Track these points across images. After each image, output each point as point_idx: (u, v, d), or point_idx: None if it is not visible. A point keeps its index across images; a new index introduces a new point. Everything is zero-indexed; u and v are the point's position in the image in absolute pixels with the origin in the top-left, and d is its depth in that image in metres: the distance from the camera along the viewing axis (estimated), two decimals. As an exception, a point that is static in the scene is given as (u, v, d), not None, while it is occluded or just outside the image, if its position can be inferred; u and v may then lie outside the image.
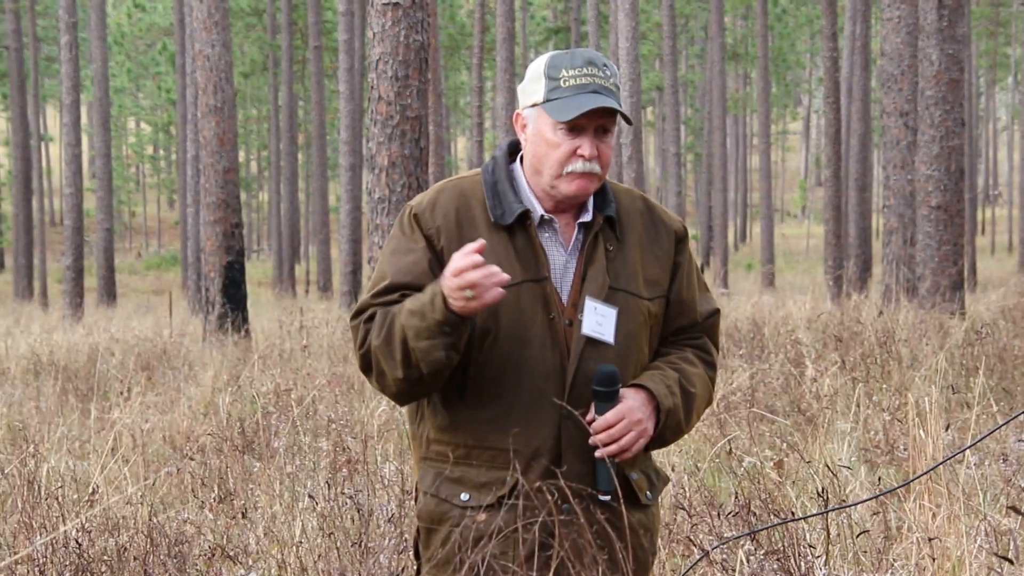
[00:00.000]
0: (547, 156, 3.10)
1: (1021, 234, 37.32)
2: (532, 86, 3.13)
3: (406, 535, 5.18)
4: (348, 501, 5.67)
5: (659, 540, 4.53)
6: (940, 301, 14.52)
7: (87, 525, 5.44)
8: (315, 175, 36.71)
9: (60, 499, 5.89)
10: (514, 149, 3.25)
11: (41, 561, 5.06)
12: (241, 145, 57.34)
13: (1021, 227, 37.70)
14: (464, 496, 3.11)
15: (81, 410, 9.85)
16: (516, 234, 3.12)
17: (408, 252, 3.12)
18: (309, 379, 10.34)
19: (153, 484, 7.00)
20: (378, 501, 5.96)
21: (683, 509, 5.07)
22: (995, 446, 7.09)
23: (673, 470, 6.57)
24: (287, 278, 38.44)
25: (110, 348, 13.92)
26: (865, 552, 5.09)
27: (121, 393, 10.09)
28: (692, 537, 5.04)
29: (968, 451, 6.31)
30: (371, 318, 3.09)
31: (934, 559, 4.54)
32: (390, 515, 5.49)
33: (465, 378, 3.09)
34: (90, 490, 6.31)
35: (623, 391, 3.07)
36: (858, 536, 5.05)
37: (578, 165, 3.08)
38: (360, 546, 5.05)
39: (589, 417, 3.06)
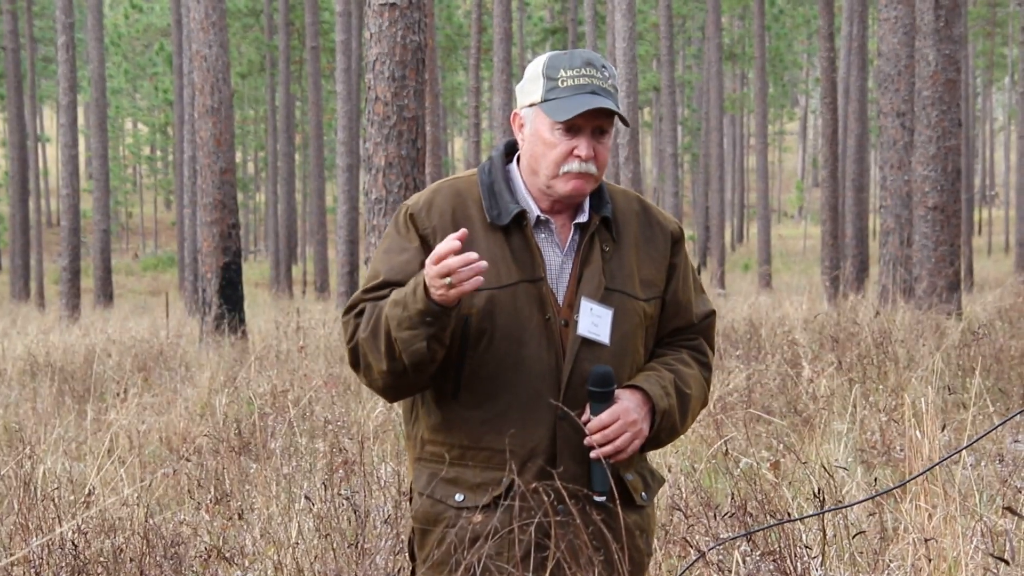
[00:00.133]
0: (544, 156, 3.10)
1: (1018, 235, 37.33)
2: (530, 86, 3.14)
3: (402, 536, 5.18)
4: (344, 502, 5.67)
5: (655, 541, 4.54)
6: (937, 302, 14.53)
7: (83, 526, 5.43)
8: (312, 176, 36.71)
9: (56, 500, 5.88)
10: (511, 149, 3.25)
11: (37, 562, 5.05)
12: (238, 146, 57.34)
13: (1018, 228, 37.70)
14: (459, 497, 3.11)
15: (77, 411, 9.84)
16: (512, 234, 3.12)
17: (402, 251, 3.13)
18: (306, 380, 10.34)
19: (149, 485, 7.00)
20: (374, 502, 5.96)
21: (679, 510, 5.07)
22: (991, 447, 7.10)
23: (669, 471, 6.57)
24: (284, 279, 38.42)
25: (107, 349, 13.91)
26: (861, 553, 5.09)
27: (117, 394, 10.08)
28: (688, 538, 5.04)
29: (964, 452, 6.31)
30: (361, 312, 3.09)
31: (930, 560, 4.54)
32: (386, 516, 5.49)
33: (460, 378, 3.09)
34: (86, 491, 6.31)
35: (618, 392, 3.08)
36: (854, 537, 5.05)
37: (575, 165, 3.08)
38: (356, 547, 5.05)
39: (584, 418, 3.06)
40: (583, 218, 3.16)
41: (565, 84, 3.07)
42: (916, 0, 15.05)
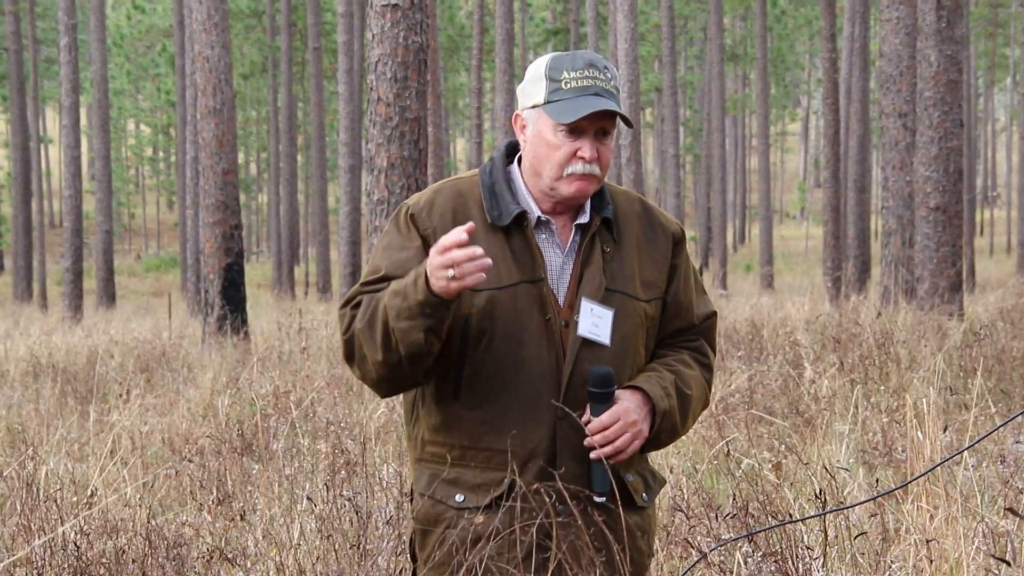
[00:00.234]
0: (547, 158, 3.11)
1: (1020, 235, 37.32)
2: (532, 87, 3.14)
3: (404, 537, 5.18)
4: (347, 503, 5.67)
5: (656, 542, 4.54)
6: (939, 303, 14.53)
7: (85, 527, 5.44)
8: (314, 177, 36.72)
9: (59, 501, 5.89)
10: (512, 150, 3.25)
11: (39, 563, 5.06)
12: (240, 147, 57.36)
13: (1020, 228, 37.70)
14: (459, 497, 3.11)
15: (80, 412, 9.85)
16: (513, 235, 3.12)
17: (402, 249, 3.13)
18: (308, 381, 10.35)
19: (152, 486, 7.00)
20: (376, 503, 5.96)
21: (681, 511, 5.07)
22: (993, 448, 7.10)
23: (671, 471, 6.57)
24: (286, 280, 38.43)
25: (109, 350, 13.92)
26: (863, 554, 5.10)
27: (120, 395, 10.08)
28: (690, 539, 5.04)
29: (966, 453, 6.31)
30: (358, 305, 3.09)
31: (932, 561, 4.55)
32: (388, 517, 5.49)
33: (460, 378, 3.09)
34: (88, 492, 6.31)
35: (619, 392, 3.08)
36: (856, 538, 5.05)
37: (578, 167, 3.09)
38: (358, 548, 5.06)
39: (585, 418, 3.06)
40: (584, 219, 3.16)
41: (568, 86, 3.08)
42: (918, 1, 15.05)
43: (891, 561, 4.90)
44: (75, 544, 5.06)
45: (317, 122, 35.13)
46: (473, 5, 32.33)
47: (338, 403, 9.29)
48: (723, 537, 4.93)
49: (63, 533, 5.22)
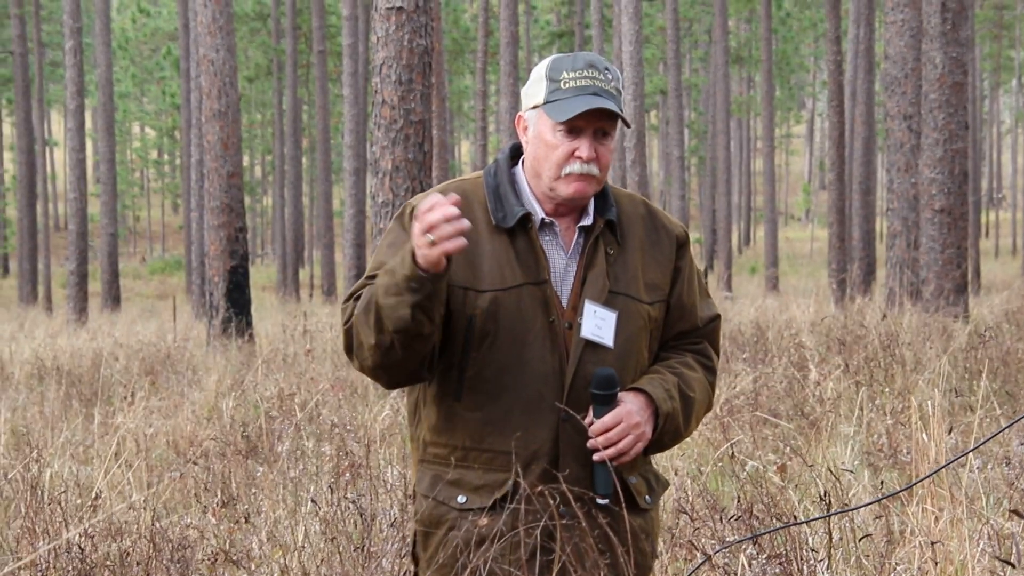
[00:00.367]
0: (546, 158, 3.11)
1: (1025, 237, 37.27)
2: (533, 88, 3.15)
3: (408, 539, 5.18)
4: (351, 506, 5.67)
5: (661, 544, 4.53)
6: (944, 304, 14.51)
7: (90, 530, 5.44)
8: (319, 179, 36.75)
9: (63, 504, 5.89)
10: (516, 152, 3.26)
11: (44, 567, 5.06)
12: (245, 149, 57.40)
13: (1025, 230, 37.65)
14: (461, 499, 3.11)
15: (85, 415, 9.86)
16: (517, 237, 3.12)
17: (405, 246, 3.12)
18: (312, 383, 10.35)
19: (156, 489, 7.00)
20: (381, 505, 5.96)
21: (685, 513, 5.06)
22: (998, 449, 7.08)
23: (676, 474, 6.57)
24: (291, 282, 38.46)
25: (114, 353, 13.93)
26: (867, 556, 5.09)
27: (125, 398, 10.09)
28: (694, 541, 5.04)
29: (971, 455, 6.30)
30: (360, 298, 3.09)
31: (936, 563, 4.54)
32: (393, 519, 5.49)
33: (463, 379, 3.09)
34: (93, 495, 6.32)
35: (622, 395, 3.08)
36: (860, 540, 5.04)
37: (576, 167, 3.08)
38: (363, 551, 5.06)
39: (587, 420, 3.06)
40: (588, 221, 3.16)
41: (567, 86, 3.08)
42: (923, 3, 15.04)
43: (896, 563, 4.89)
44: (80, 547, 5.07)
45: (322, 125, 35.16)
46: (478, 8, 32.35)
47: (342, 405, 9.29)
48: (727, 539, 4.92)
49: (68, 536, 5.22)
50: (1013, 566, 3.99)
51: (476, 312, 3.07)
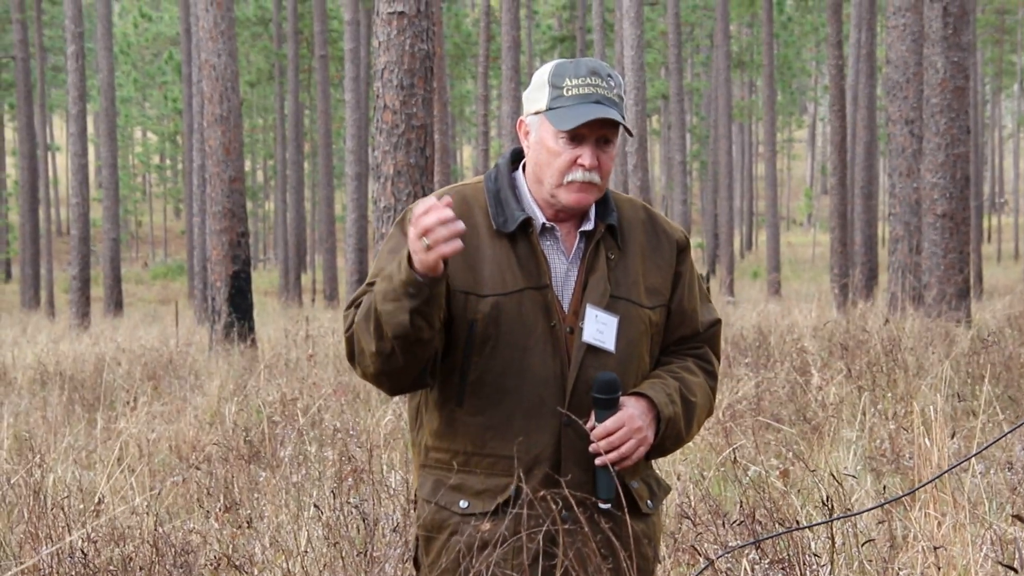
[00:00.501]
0: (548, 165, 3.11)
1: (1027, 241, 37.25)
2: (536, 94, 3.15)
3: (411, 544, 5.17)
4: (353, 511, 5.68)
5: (663, 549, 4.53)
6: (946, 309, 14.51)
7: (93, 535, 5.44)
8: (321, 184, 36.76)
9: (66, 509, 5.90)
10: (517, 157, 3.26)
11: (47, 571, 5.07)
12: (247, 154, 57.45)
13: (1027, 234, 37.64)
14: (463, 503, 3.12)
15: (87, 420, 9.87)
16: (518, 242, 3.13)
17: (403, 252, 3.12)
18: (315, 388, 10.35)
19: (159, 494, 7.01)
20: (383, 510, 5.96)
21: (688, 518, 5.07)
22: (1001, 454, 7.08)
23: (678, 478, 6.57)
24: (293, 287, 38.46)
25: (116, 358, 13.94)
26: (870, 561, 5.09)
27: (127, 403, 10.10)
28: (697, 546, 5.04)
29: (974, 459, 6.30)
30: (360, 305, 3.09)
31: (939, 568, 4.54)
32: (395, 524, 5.49)
33: (464, 384, 3.09)
34: (96, 500, 6.32)
35: (623, 399, 3.08)
36: (863, 545, 5.04)
37: (578, 175, 3.09)
38: (365, 556, 5.06)
39: (589, 425, 3.06)
40: (588, 226, 3.17)
41: (570, 93, 3.08)
42: (924, 7, 15.05)
43: (899, 568, 4.89)
44: (82, 552, 5.07)
45: (324, 129, 35.18)
46: (479, 12, 32.37)
47: (345, 410, 9.29)
48: (730, 544, 4.92)
49: (71, 541, 5.22)
50: (1016, 571, 3.99)
51: (477, 317, 3.07)
